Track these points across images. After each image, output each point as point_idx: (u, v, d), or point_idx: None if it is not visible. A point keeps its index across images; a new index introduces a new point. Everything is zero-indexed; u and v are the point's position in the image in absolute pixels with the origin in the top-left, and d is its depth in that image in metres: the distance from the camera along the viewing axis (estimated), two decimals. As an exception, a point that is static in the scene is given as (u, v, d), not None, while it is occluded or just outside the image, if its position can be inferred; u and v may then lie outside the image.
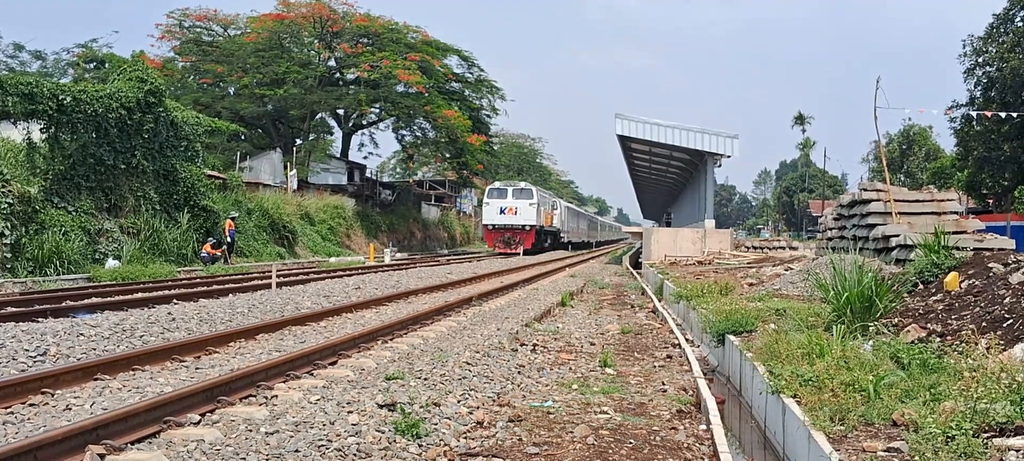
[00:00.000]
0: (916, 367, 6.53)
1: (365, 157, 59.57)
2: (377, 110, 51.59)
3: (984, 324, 7.61)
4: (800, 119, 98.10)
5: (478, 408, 6.78)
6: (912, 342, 7.59)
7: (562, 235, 56.86)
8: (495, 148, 65.49)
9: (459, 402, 6.86)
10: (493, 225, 44.75)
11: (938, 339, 7.51)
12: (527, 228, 44.18)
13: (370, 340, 9.72)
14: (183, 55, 48.20)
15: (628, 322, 13.89)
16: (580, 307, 16.36)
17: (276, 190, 38.76)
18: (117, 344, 8.87)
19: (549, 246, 51.91)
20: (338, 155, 55.21)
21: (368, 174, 59.58)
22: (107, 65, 35.82)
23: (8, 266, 17.91)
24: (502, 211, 44.43)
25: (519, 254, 42.39)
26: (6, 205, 18.41)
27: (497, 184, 46.66)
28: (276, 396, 6.72)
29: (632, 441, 6.12)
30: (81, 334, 9.13)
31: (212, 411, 6.15)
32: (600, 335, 12.12)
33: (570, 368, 9.12)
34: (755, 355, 8.04)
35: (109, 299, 13.23)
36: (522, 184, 46.17)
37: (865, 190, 16.35)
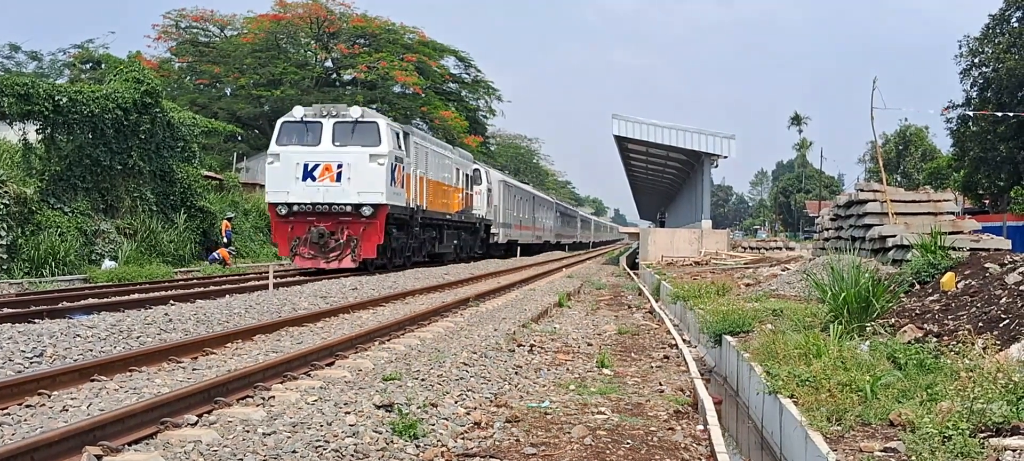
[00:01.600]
0: (913, 367, 6.54)
1: (362, 158, 59.43)
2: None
3: (981, 324, 7.63)
4: (797, 119, 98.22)
5: (475, 409, 6.78)
6: (909, 342, 7.61)
7: (495, 231, 35.68)
8: (492, 149, 65.50)
9: (456, 403, 6.86)
10: (287, 206, 20.29)
11: (935, 339, 7.53)
12: (364, 212, 20.04)
13: (367, 341, 9.72)
14: (180, 56, 48.17)
15: (625, 322, 13.90)
16: (577, 308, 16.36)
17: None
18: (114, 345, 8.86)
19: (456, 251, 29.33)
20: (335, 156, 55.02)
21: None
22: (103, 66, 35.79)
23: (4, 267, 17.89)
24: (308, 172, 20.24)
25: (351, 268, 20.44)
26: (2, 206, 18.38)
27: (298, 111, 20.87)
28: (273, 397, 6.71)
29: (629, 441, 6.12)
30: (78, 335, 9.11)
31: (209, 412, 6.15)
32: (597, 335, 12.12)
33: (567, 369, 9.12)
34: (752, 355, 8.05)
35: (106, 300, 13.20)
36: (355, 111, 20.69)
37: (862, 190, 16.40)
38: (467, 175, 30.56)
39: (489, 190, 34.22)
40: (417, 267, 24.29)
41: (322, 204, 20.09)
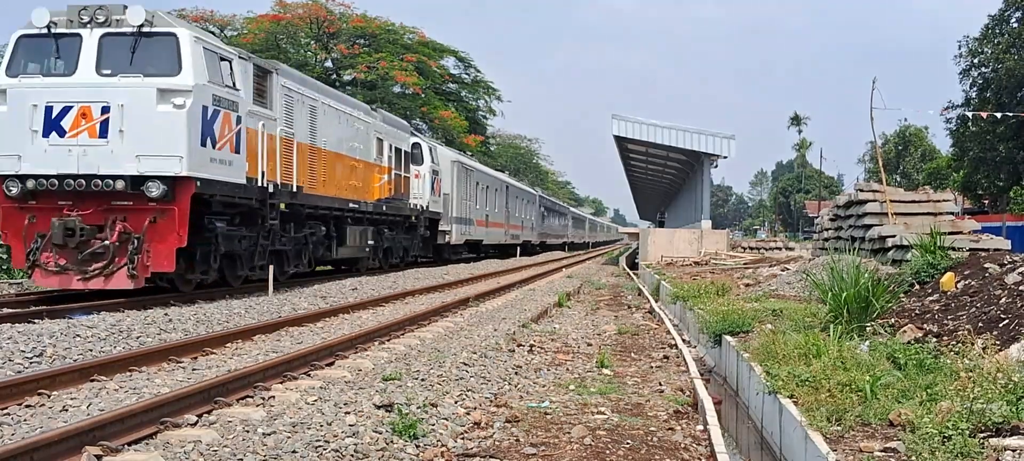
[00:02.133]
0: (913, 367, 6.55)
1: (362, 158, 59.50)
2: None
3: (980, 324, 7.64)
4: (796, 120, 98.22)
5: (475, 409, 6.78)
6: (908, 342, 7.61)
7: (445, 228, 27.89)
8: (492, 149, 65.48)
9: (456, 403, 6.87)
10: (19, 181, 11.87)
11: (934, 339, 7.54)
12: (151, 191, 11.72)
13: (367, 341, 9.72)
14: (179, 56, 48.12)
15: (625, 322, 13.90)
16: (577, 308, 16.36)
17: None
18: (114, 345, 8.86)
19: (376, 256, 21.53)
20: (334, 156, 55.00)
21: (364, 175, 59.08)
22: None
23: (4, 268, 17.87)
24: (53, 122, 11.79)
25: (129, 288, 12.09)
26: (2, 206, 18.38)
27: (42, 14, 12.07)
28: (273, 397, 6.72)
29: (629, 441, 6.12)
30: (77, 335, 9.10)
31: (209, 412, 6.15)
32: (597, 336, 12.12)
33: (567, 369, 9.13)
34: (752, 355, 8.06)
35: (106, 300, 13.19)
36: (136, 14, 11.93)
37: (861, 190, 16.41)
38: (401, 150, 22.48)
39: (435, 173, 25.93)
40: (300, 283, 16.41)
41: (76, 177, 11.84)
